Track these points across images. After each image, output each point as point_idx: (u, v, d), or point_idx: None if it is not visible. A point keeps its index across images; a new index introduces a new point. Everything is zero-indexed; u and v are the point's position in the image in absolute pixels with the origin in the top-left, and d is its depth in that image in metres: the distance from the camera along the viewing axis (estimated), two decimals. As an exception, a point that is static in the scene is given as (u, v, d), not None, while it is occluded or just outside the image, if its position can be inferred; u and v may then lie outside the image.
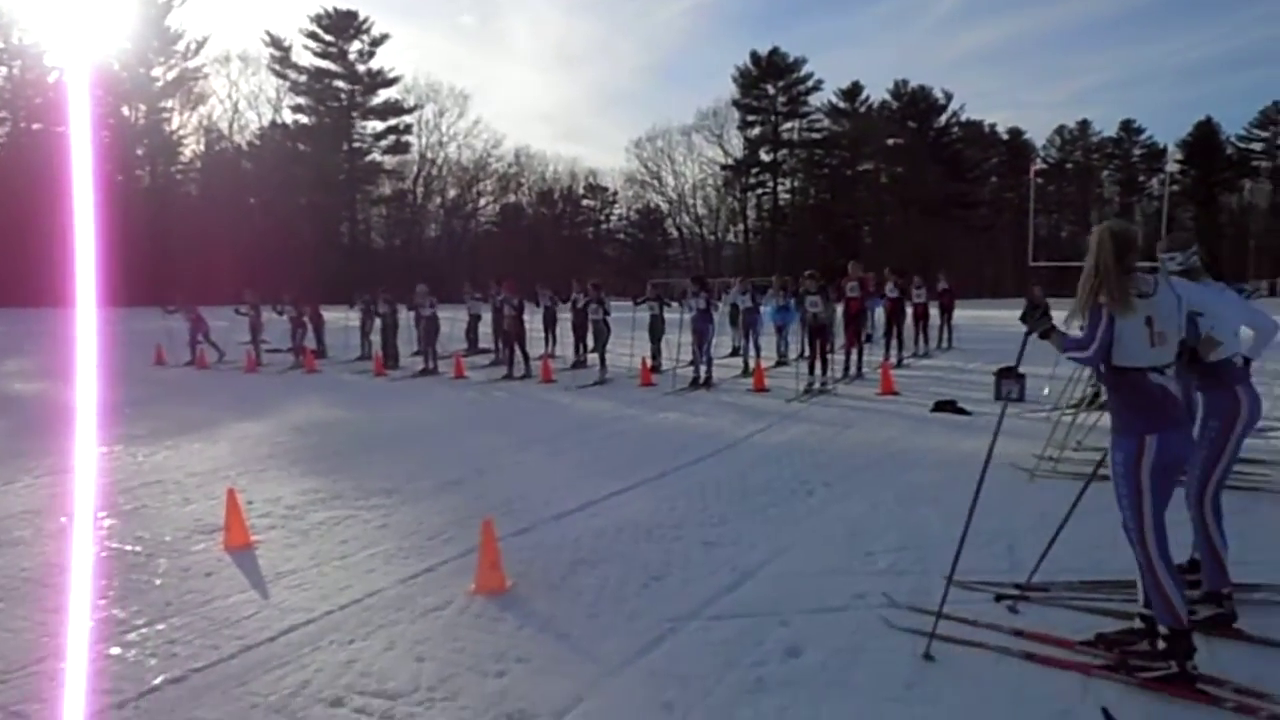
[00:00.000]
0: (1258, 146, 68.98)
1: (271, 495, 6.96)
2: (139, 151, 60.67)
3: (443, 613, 4.41)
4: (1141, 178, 72.18)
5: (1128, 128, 72.12)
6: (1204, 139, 68.32)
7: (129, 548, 5.65)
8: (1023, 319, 3.73)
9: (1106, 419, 8.17)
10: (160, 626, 4.33)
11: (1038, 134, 75.11)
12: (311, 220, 62.45)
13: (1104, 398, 9.25)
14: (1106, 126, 72.98)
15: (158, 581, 5.01)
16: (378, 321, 17.65)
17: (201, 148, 64.85)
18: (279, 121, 65.29)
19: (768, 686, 3.55)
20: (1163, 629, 3.48)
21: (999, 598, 4.38)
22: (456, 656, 3.90)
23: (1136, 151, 72.24)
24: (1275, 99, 68.15)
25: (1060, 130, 73.76)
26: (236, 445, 9.30)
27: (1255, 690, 3.35)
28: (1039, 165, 61.99)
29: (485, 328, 18.69)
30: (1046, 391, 10.44)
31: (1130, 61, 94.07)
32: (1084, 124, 73.12)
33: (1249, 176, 69.93)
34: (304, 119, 66.08)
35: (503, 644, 4.03)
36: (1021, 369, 11.51)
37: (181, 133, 63.77)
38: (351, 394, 13.69)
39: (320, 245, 59.55)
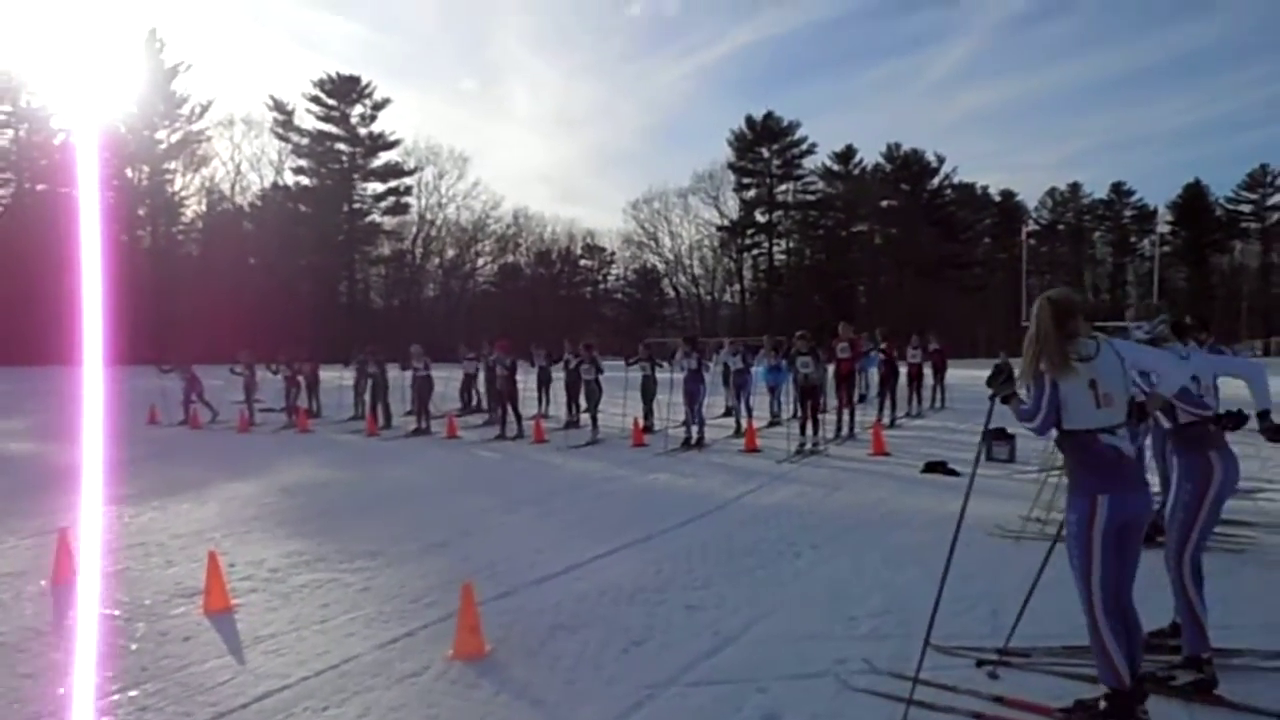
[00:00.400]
0: (1246, 208, 69.97)
1: (255, 557, 6.93)
2: (141, 212, 61.47)
3: (419, 679, 4.37)
4: (1133, 239, 72.99)
5: (1118, 189, 73.20)
6: (1193, 201, 69.37)
7: (109, 611, 5.61)
8: (988, 383, 3.77)
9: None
10: (133, 693, 4.29)
11: (1030, 196, 76.27)
12: (311, 280, 62.99)
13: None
14: (1097, 188, 74.20)
15: (134, 646, 4.97)
16: (370, 381, 17.68)
17: (203, 208, 65.81)
18: (280, 183, 66.33)
19: (742, 755, 3.51)
20: (1104, 688, 3.53)
21: (980, 663, 4.34)
22: (430, 724, 3.86)
23: (1127, 213, 73.17)
24: (1262, 162, 69.48)
25: (1052, 192, 74.89)
26: (224, 506, 9.27)
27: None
28: (1031, 227, 62.74)
29: (480, 387, 18.74)
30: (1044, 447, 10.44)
31: (1120, 125, 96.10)
32: (1075, 186, 74.26)
33: (1239, 238, 70.81)
34: (305, 181, 67.08)
35: (478, 711, 3.99)
36: (1011, 430, 11.59)
37: (184, 194, 64.81)
38: (343, 454, 13.67)
39: (320, 305, 59.94)
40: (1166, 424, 4.06)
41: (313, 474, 11.62)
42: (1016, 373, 3.67)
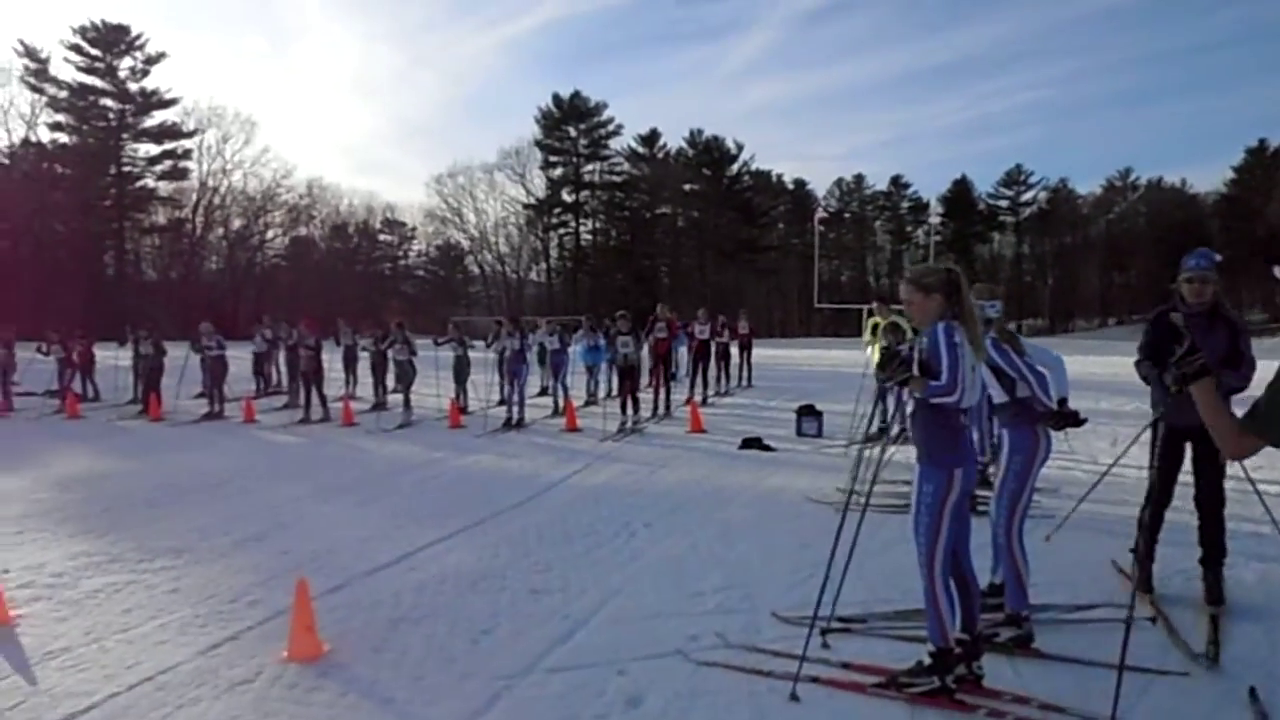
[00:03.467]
0: (1003, 203, 77.25)
1: (32, 562, 6.14)
2: None
3: (252, 685, 4.02)
4: (909, 228, 78.80)
5: (897, 182, 78.76)
6: (960, 195, 75.81)
7: None
8: (880, 367, 3.86)
9: (902, 452, 8.76)
10: (-104, 727, 3.68)
11: (819, 185, 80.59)
12: (71, 249, 56.55)
13: (894, 432, 9.96)
14: (879, 180, 79.55)
15: (-110, 672, 4.26)
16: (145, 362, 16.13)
17: (-65, 164, 57.51)
18: (33, 140, 58.97)
19: (612, 741, 3.47)
20: (931, 647, 3.78)
21: (824, 631, 4.52)
22: (271, 735, 3.56)
23: (904, 204, 78.91)
24: (1017, 162, 77.09)
25: (839, 182, 79.49)
26: (-15, 504, 8.17)
27: (1055, 705, 3.64)
28: (821, 214, 66.48)
29: (281, 367, 17.60)
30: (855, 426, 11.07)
31: (900, 122, 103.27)
32: (859, 177, 79.16)
33: (997, 230, 78.23)
34: (63, 138, 60.05)
35: (322, 715, 3.72)
36: (819, 406, 12.18)
37: (-89, 147, 56.36)
38: (126, 442, 12.41)
39: (83, 276, 54.04)
40: (1003, 398, 4.37)
41: (92, 464, 10.47)
42: (905, 347, 3.82)
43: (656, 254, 74.86)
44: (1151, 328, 4.96)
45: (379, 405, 15.13)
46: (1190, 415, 4.58)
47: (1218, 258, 4.68)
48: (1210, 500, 4.80)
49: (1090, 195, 75.54)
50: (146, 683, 4.05)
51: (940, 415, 3.65)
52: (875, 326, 10.90)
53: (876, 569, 5.57)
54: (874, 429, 10.47)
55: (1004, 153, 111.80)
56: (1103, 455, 9.70)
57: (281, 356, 17.19)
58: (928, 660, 3.77)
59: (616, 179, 74.05)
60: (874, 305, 11.33)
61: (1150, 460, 4.97)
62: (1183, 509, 5.06)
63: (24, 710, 3.81)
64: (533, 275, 75.43)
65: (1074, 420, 4.49)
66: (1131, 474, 8.76)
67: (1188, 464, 4.92)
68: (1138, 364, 5.00)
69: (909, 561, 5.68)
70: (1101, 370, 19.27)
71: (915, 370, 3.63)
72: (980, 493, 7.03)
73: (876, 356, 10.77)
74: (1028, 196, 76.25)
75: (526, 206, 72.45)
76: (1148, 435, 5.17)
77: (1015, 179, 76.02)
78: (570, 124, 72.04)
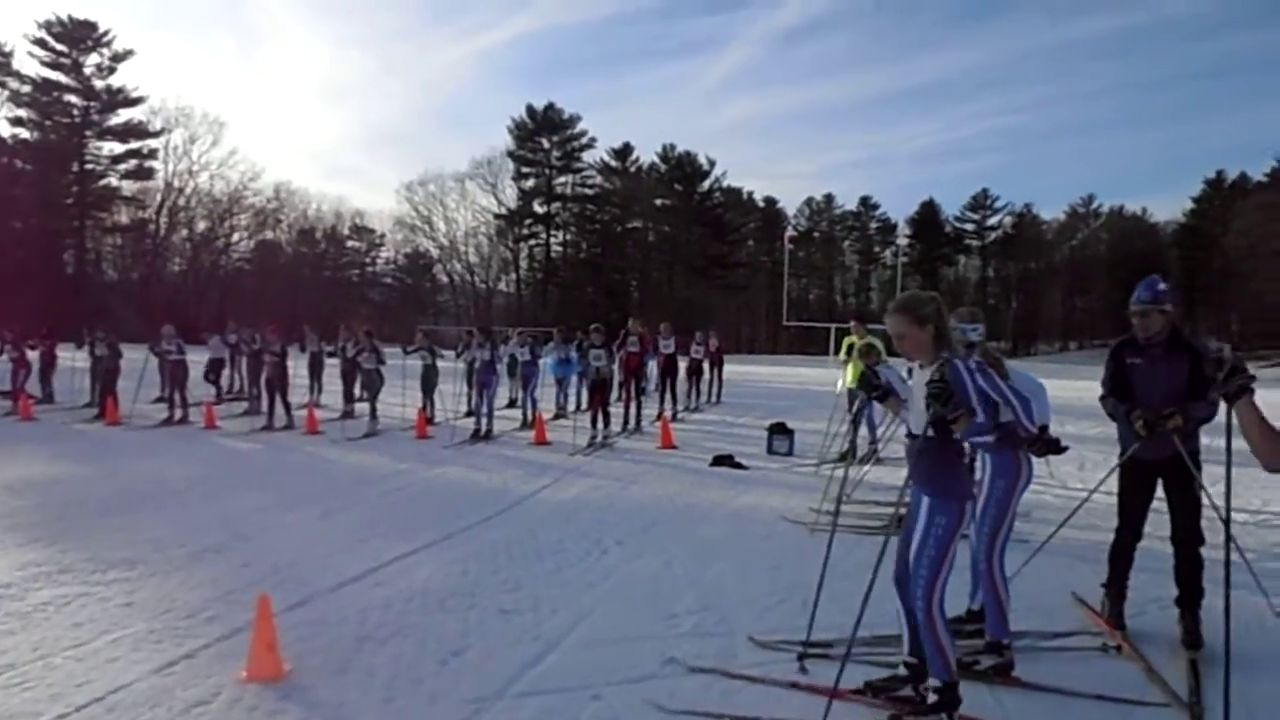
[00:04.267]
0: (969, 227, 78.43)
1: (-21, 571, 5.89)
2: None
3: (209, 707, 3.84)
4: (877, 248, 79.73)
5: (866, 203, 79.73)
6: (927, 217, 76.88)
7: None
8: (938, 402, 3.41)
9: (874, 473, 8.73)
10: None
11: (790, 203, 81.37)
12: (29, 246, 55.24)
13: (862, 453, 9.94)
14: (848, 200, 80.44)
15: None
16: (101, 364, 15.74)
17: (-110, 156, 55.98)
18: (-7, 133, 57.72)
19: (587, 770, 3.35)
20: (935, 682, 3.64)
21: (801, 656, 4.43)
22: (229, 761, 3.39)
23: (873, 225, 79.89)
24: (983, 186, 78.37)
25: (809, 201, 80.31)
26: (-71, 509, 7.85)
27: None
28: (791, 233, 67.01)
29: (243, 372, 17.24)
30: (828, 442, 11.04)
31: (870, 143, 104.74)
32: (829, 197, 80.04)
33: (963, 253, 79.35)
34: (24, 133, 58.88)
35: (284, 741, 3.56)
36: (789, 425, 12.16)
37: None
38: (80, 446, 12.06)
39: (41, 275, 52.77)
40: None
41: (44, 469, 10.13)
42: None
43: (627, 268, 75.01)
44: (1111, 360, 4.87)
45: (347, 414, 14.87)
46: (1160, 449, 4.62)
47: (1162, 287, 4.59)
48: (1187, 539, 4.66)
49: (1054, 221, 77.06)
50: (96, 703, 3.86)
51: (954, 449, 3.58)
52: (850, 346, 10.89)
53: (851, 592, 5.51)
54: (845, 448, 10.48)
55: (972, 177, 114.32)
56: (1071, 480, 9.76)
57: (244, 362, 16.86)
58: (933, 697, 3.65)
59: (588, 191, 74.17)
60: (851, 324, 11.33)
61: (1120, 495, 4.95)
62: (1152, 535, 5.04)
63: (-35, 731, 3.62)
64: (502, 285, 75.21)
65: (1055, 447, 4.46)
66: (1102, 500, 8.80)
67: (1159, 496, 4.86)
68: (1103, 399, 4.92)
69: (881, 585, 5.65)
70: (1065, 394, 19.43)
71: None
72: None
73: (852, 376, 10.78)
74: (993, 221, 77.65)
75: (497, 217, 72.32)
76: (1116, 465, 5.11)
77: (982, 203, 77.29)
78: (543, 135, 72.09)
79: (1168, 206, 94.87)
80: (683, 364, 17.51)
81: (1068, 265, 74.60)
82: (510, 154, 71.85)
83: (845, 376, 11.02)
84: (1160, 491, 4.84)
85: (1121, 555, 4.91)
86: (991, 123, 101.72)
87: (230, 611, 5.06)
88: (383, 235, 73.42)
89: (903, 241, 70.18)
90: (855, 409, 9.71)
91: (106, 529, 7.17)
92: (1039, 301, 75.92)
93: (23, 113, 58.64)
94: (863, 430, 10.97)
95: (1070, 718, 3.84)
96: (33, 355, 16.56)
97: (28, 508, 7.99)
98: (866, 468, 8.67)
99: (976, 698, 3.97)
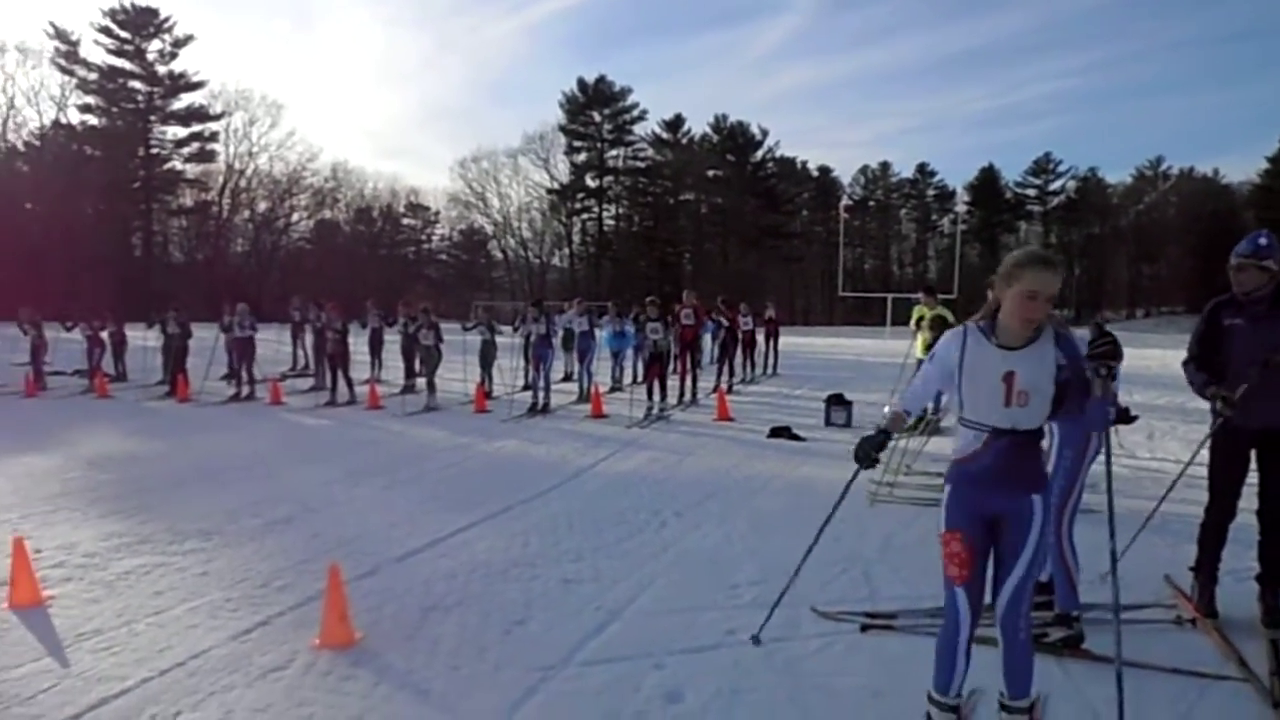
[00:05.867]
0: (1031, 192, 76.33)
1: (64, 541, 6.14)
2: (-110, 146, 53.64)
3: (284, 673, 3.97)
4: (934, 217, 78.12)
5: (923, 170, 77.95)
6: (987, 184, 74.98)
7: (-116, 611, 4.78)
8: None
9: (933, 443, 8.62)
10: (-69, 708, 3.65)
11: (845, 172, 79.95)
12: (100, 231, 56.99)
13: (929, 420, 9.83)
14: (905, 168, 78.76)
15: (-75, 651, 4.25)
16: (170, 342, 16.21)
17: (-32, 145, 58.02)
18: (63, 121, 59.42)
19: (653, 738, 3.39)
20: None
21: (865, 628, 4.41)
22: (305, 724, 3.50)
23: (930, 192, 78.15)
24: (1046, 150, 76.07)
25: (864, 169, 78.75)
26: (17, 483, 8.18)
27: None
28: (846, 202, 65.98)
29: (306, 349, 17.68)
30: (887, 410, 10.93)
31: (927, 109, 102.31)
32: (885, 165, 78.40)
33: (1024, 219, 77.31)
34: (93, 120, 60.48)
35: (357, 706, 3.65)
36: (848, 396, 12.05)
37: (-56, 128, 56.86)
38: (154, 423, 12.46)
39: (111, 258, 54.50)
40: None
41: (121, 445, 10.50)
42: None
43: (679, 240, 74.57)
44: (1204, 321, 4.59)
45: (407, 389, 15.12)
46: (1261, 417, 4.35)
47: (1264, 241, 4.27)
48: (1275, 514, 4.39)
49: (1120, 185, 74.52)
50: (178, 668, 4.01)
51: None
52: (921, 318, 10.73)
53: (911, 564, 5.47)
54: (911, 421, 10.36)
55: (1033, 141, 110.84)
56: (1140, 450, 9.52)
57: (308, 339, 17.27)
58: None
59: (640, 164, 73.75)
60: (920, 296, 11.14)
61: (1210, 469, 4.67)
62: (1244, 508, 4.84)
63: (58, 693, 3.78)
64: (555, 260, 75.47)
65: (1126, 417, 4.32)
66: (1173, 469, 8.59)
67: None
68: (1185, 364, 4.66)
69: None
70: (1132, 362, 18.94)
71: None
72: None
73: (921, 347, 10.64)
74: (1056, 185, 75.43)
75: (550, 191, 72.40)
76: (1202, 437, 4.85)
77: (1044, 168, 75.11)
78: (594, 109, 71.79)
79: (1241, 167, 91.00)
80: (739, 336, 17.42)
81: (1134, 230, 72.19)
82: (562, 128, 71.80)
83: (916, 347, 10.86)
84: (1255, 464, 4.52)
85: (1213, 535, 4.60)
86: (1052, 85, 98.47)
87: (301, 580, 5.21)
88: (437, 212, 74.15)
89: (961, 209, 68.43)
90: None
91: (182, 501, 7.42)
92: (1104, 268, 73.66)
93: (90, 100, 60.21)
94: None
95: (1143, 692, 3.75)
96: (104, 335, 17.09)
97: (108, 481, 8.30)
98: (925, 439, 8.54)
99: (1045, 670, 3.90)
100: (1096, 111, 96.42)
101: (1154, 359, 22.16)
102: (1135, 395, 13.90)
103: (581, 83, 71.81)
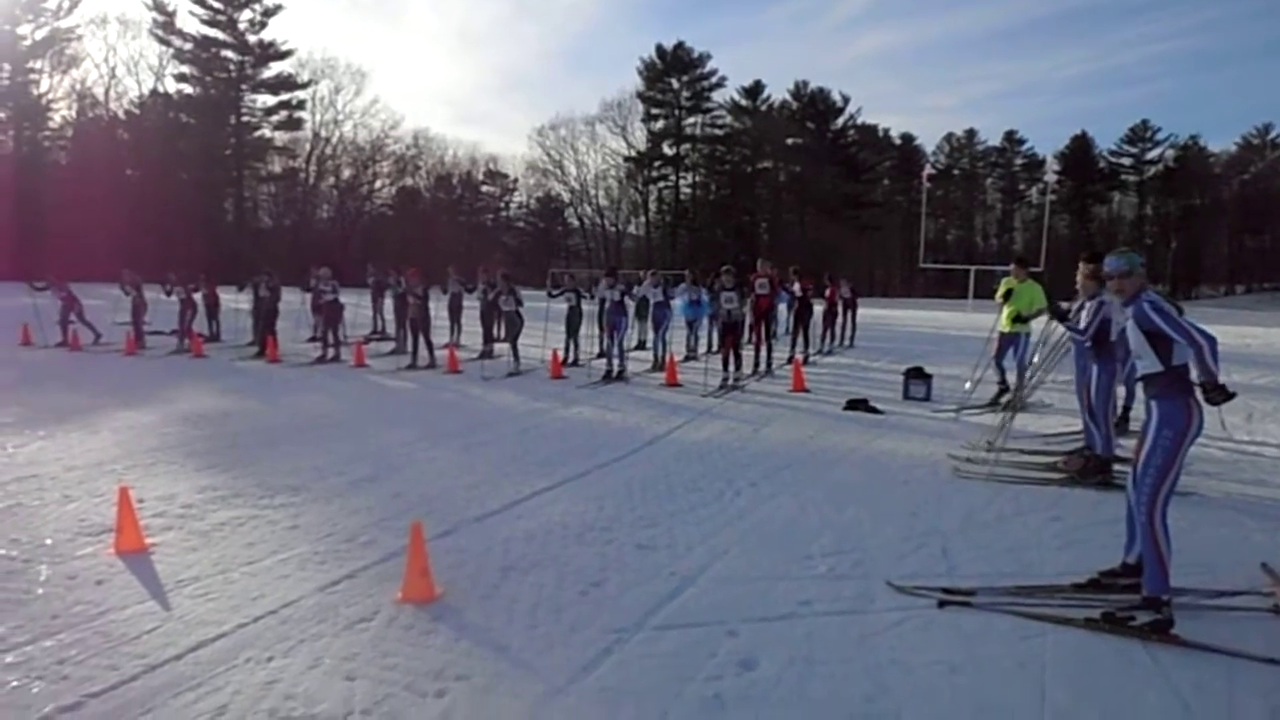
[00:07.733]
0: (1126, 161, 73.15)
1: (165, 493, 6.45)
2: (2, 115, 56.29)
3: (370, 624, 4.12)
4: (1022, 186, 75.48)
5: (1011, 138, 75.32)
6: (1079, 152, 72.05)
7: (3, 552, 5.10)
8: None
9: (1019, 420, 8.40)
10: (47, 644, 3.90)
11: (928, 140, 77.78)
12: (195, 196, 59.10)
13: (1008, 396, 9.59)
14: (992, 136, 76.19)
15: (40, 591, 4.53)
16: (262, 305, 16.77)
17: (74, 114, 60.58)
18: (160, 90, 61.53)
19: (726, 703, 3.41)
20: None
21: (942, 604, 4.35)
22: (390, 674, 3.63)
23: (1018, 161, 75.48)
24: (1143, 117, 72.64)
25: (949, 137, 76.52)
26: (120, 436, 8.62)
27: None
28: (929, 171, 64.17)
29: (386, 314, 18.11)
30: (969, 386, 10.73)
31: (1015, 74, 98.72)
32: (971, 132, 76.03)
33: (1118, 190, 74.16)
34: (188, 89, 62.49)
35: (438, 660, 3.77)
36: (928, 369, 11.83)
37: (52, 97, 59.44)
38: (245, 382, 12.95)
39: (204, 223, 56.51)
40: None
41: (215, 402, 10.95)
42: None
43: (756, 209, 73.68)
44: None
45: (485, 354, 15.37)
46: None
47: None
48: None
49: (1224, 153, 70.80)
50: (271, 615, 4.20)
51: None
52: (1009, 291, 10.40)
53: (991, 542, 5.36)
54: (1004, 393, 10.23)
55: (1130, 107, 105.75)
56: (1238, 431, 9.12)
57: (387, 304, 17.68)
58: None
59: (718, 132, 72.91)
60: (1012, 267, 10.79)
61: None
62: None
63: (161, 634, 4.00)
64: (631, 229, 75.34)
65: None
66: (1271, 453, 8.22)
67: None
68: None
69: (1026, 534, 5.48)
70: (1231, 341, 18.11)
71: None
72: (1116, 466, 6.69)
73: (1006, 320, 10.35)
74: (1153, 154, 72.09)
75: (627, 159, 72.19)
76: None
77: (1141, 135, 71.87)
78: (673, 76, 71.11)
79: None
80: (818, 308, 17.21)
81: (1238, 201, 68.54)
82: (640, 95, 71.35)
83: (1001, 320, 10.55)
84: None
85: None
86: (1153, 48, 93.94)
87: (385, 537, 5.37)
88: (515, 180, 74.68)
89: (1051, 178, 65.79)
90: (1021, 352, 10.13)
91: (272, 457, 7.72)
92: (1202, 241, 70.25)
93: (186, 69, 62.16)
94: (1010, 375, 10.56)
95: (1234, 681, 3.63)
96: (196, 297, 17.77)
97: (203, 437, 8.68)
98: (1011, 415, 8.32)
99: (1131, 656, 3.82)
100: (1202, 76, 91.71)
101: (1253, 337, 21.15)
102: (1234, 375, 13.29)
103: (660, 49, 71.17)
